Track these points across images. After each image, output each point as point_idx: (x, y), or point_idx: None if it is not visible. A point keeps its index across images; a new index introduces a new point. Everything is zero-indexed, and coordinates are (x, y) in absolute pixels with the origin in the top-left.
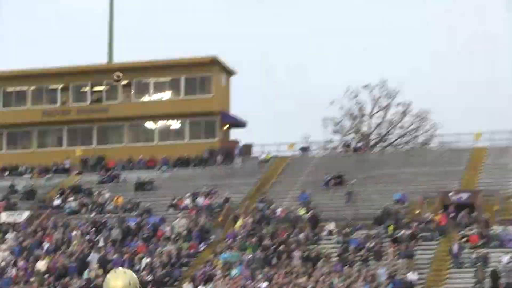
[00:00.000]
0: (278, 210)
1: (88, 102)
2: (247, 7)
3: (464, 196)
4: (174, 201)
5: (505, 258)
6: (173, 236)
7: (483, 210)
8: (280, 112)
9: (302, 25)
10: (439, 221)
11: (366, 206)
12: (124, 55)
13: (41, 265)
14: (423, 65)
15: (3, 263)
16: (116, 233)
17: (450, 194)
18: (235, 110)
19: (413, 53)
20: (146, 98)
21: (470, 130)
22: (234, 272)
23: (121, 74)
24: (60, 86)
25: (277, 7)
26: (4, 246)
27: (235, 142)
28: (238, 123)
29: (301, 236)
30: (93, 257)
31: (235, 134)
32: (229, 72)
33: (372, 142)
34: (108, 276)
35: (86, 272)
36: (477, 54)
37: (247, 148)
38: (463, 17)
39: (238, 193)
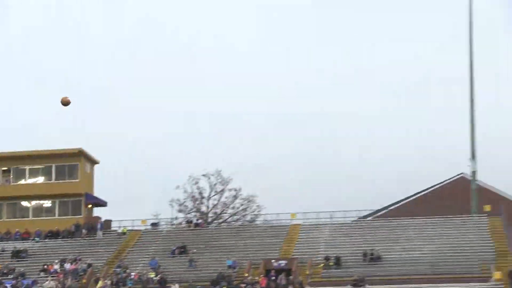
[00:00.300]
0: (133, 274)
1: None
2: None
3: (282, 262)
4: (45, 267)
5: None
6: None
7: (298, 274)
8: (135, 193)
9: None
10: (262, 282)
11: (205, 270)
12: (4, 145)
13: None
14: (254, 160)
15: None
16: None
17: (272, 261)
18: (98, 192)
19: (252, 151)
20: (22, 182)
21: (287, 210)
22: None
23: (69, 101)
24: None
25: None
26: None
27: (97, 218)
28: (100, 203)
29: None
30: None
31: (98, 211)
32: (93, 161)
33: (210, 219)
34: None
35: None
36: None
37: (107, 223)
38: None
39: (99, 260)
